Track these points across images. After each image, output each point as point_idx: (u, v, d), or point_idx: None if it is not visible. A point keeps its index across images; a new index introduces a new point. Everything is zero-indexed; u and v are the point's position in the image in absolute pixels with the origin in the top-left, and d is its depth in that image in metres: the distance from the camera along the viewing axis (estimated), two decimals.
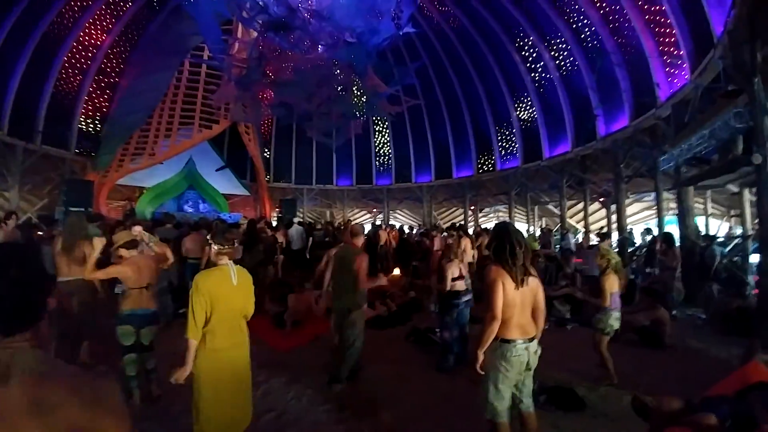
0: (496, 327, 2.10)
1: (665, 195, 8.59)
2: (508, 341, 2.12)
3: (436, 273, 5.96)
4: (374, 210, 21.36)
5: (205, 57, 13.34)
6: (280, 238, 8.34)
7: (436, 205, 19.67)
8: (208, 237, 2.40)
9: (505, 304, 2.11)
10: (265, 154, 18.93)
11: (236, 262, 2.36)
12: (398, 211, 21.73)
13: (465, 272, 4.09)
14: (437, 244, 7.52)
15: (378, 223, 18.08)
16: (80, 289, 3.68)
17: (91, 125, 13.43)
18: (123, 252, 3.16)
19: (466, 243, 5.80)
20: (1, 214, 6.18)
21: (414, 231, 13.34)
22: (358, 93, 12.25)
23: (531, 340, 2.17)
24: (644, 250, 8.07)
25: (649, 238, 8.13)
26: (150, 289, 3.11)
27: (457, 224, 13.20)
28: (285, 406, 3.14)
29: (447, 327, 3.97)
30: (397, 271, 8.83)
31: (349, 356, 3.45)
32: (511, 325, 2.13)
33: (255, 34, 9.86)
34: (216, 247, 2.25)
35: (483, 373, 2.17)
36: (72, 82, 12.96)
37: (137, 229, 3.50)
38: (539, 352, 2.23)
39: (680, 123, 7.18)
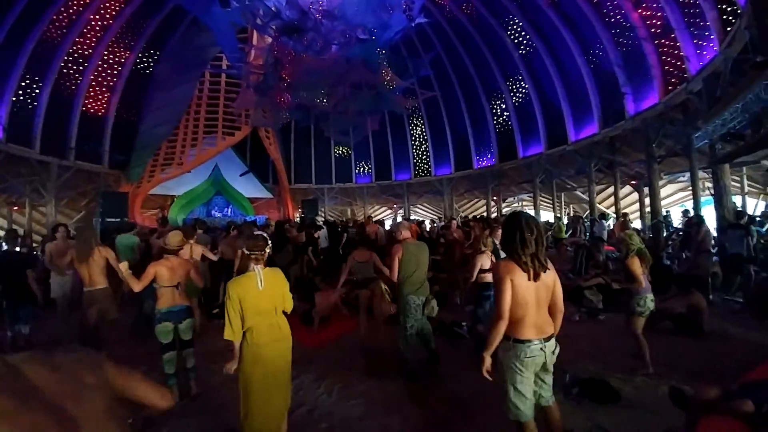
0: (502, 328, 1.97)
1: (700, 174, 8.12)
2: (522, 341, 1.98)
3: (459, 265, 5.93)
4: (395, 206, 21.39)
5: (224, 66, 13.74)
6: (304, 239, 8.53)
7: (457, 197, 19.46)
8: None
9: (517, 303, 1.96)
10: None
11: (267, 262, 2.49)
12: (419, 206, 21.66)
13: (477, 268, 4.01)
14: (456, 235, 7.41)
15: (399, 219, 18.08)
16: (101, 298, 3.83)
17: (122, 139, 14.17)
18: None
19: (486, 234, 5.70)
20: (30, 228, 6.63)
21: (436, 224, 13.26)
22: (373, 90, 12.28)
23: (548, 339, 2.02)
24: (680, 233, 7.67)
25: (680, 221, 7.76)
26: (180, 287, 3.27)
27: (479, 216, 12.99)
28: (316, 402, 3.23)
29: (480, 320, 3.91)
30: None
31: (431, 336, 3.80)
32: (526, 324, 1.99)
33: (269, 40, 10.05)
34: (246, 252, 2.43)
35: (489, 377, 2.04)
36: (100, 99, 13.72)
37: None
38: (557, 351, 2.08)
39: (713, 97, 6.75)
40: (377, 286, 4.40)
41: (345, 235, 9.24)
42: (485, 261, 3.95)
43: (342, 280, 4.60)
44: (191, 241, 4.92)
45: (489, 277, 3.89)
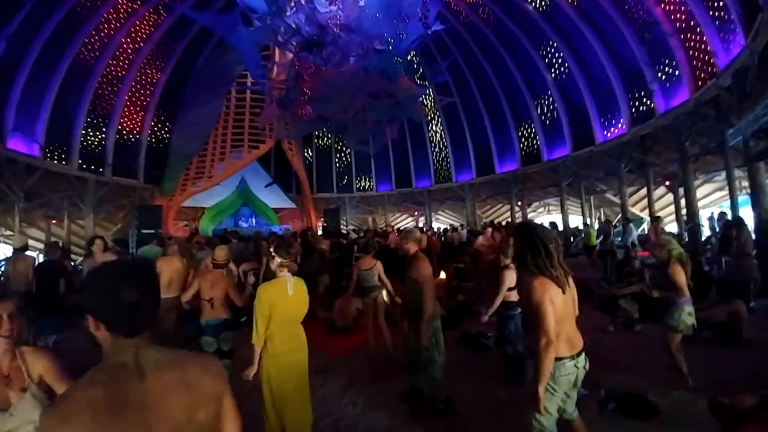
0: (553, 353, 1.82)
1: (737, 173, 7.67)
2: (558, 359, 1.86)
3: (486, 274, 5.79)
4: (416, 213, 21.32)
5: (249, 83, 14.31)
6: (326, 247, 8.65)
7: (479, 203, 19.18)
8: (270, 249, 2.64)
9: (555, 320, 1.85)
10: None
11: (296, 271, 2.57)
12: (440, 212, 21.49)
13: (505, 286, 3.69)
14: (482, 242, 7.25)
15: (420, 225, 18.02)
16: (177, 305, 4.11)
17: (156, 155, 14.98)
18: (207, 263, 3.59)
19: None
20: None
21: (459, 231, 13.12)
22: (391, 98, 12.44)
23: (579, 353, 1.91)
24: (719, 236, 7.23)
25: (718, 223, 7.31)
26: (212, 302, 3.41)
27: (503, 222, 12.73)
28: (341, 412, 3.26)
29: (508, 341, 3.66)
30: (442, 275, 8.72)
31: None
32: (561, 340, 1.88)
33: (290, 55, 10.40)
34: (278, 260, 2.51)
35: (544, 413, 1.90)
36: (135, 117, 14.56)
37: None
38: (587, 365, 1.97)
39: (743, 92, 6.42)
40: (379, 294, 4.32)
41: (355, 246, 9.26)
42: (511, 276, 3.62)
43: (351, 289, 4.64)
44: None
45: (513, 296, 3.62)
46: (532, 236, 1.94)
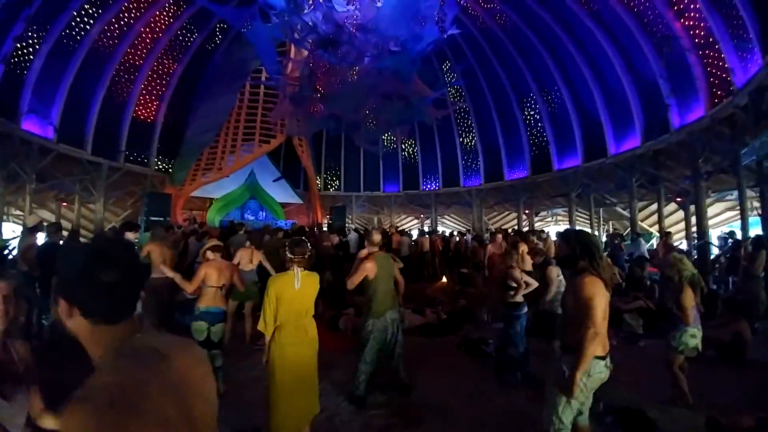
0: (597, 346, 1.95)
1: (749, 193, 7.56)
2: (596, 357, 1.97)
3: (492, 280, 5.79)
4: (422, 216, 21.28)
5: (263, 78, 14.43)
6: (331, 243, 8.69)
7: (486, 210, 19.07)
8: (286, 243, 2.74)
9: (603, 317, 1.98)
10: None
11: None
12: (446, 217, 21.41)
13: (522, 282, 3.84)
14: (492, 249, 7.11)
15: (425, 229, 17.99)
16: (171, 285, 4.23)
17: (168, 144, 15.16)
18: (209, 254, 3.61)
19: (523, 249, 5.48)
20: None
21: (465, 237, 13.08)
22: (404, 100, 12.46)
23: (607, 355, 2.04)
24: (727, 256, 7.13)
25: (731, 241, 7.19)
26: (223, 290, 3.45)
27: (510, 229, 12.67)
28: (337, 408, 3.28)
29: (512, 342, 3.74)
30: (444, 279, 8.72)
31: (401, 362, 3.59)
32: (601, 339, 1.98)
33: (306, 53, 10.47)
34: (289, 256, 2.61)
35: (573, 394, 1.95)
36: (150, 106, 14.74)
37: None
38: (611, 367, 2.09)
39: (759, 112, 6.33)
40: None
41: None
42: (515, 275, 3.80)
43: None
44: (253, 247, 4.98)
45: (518, 297, 3.77)
46: (587, 242, 2.09)
